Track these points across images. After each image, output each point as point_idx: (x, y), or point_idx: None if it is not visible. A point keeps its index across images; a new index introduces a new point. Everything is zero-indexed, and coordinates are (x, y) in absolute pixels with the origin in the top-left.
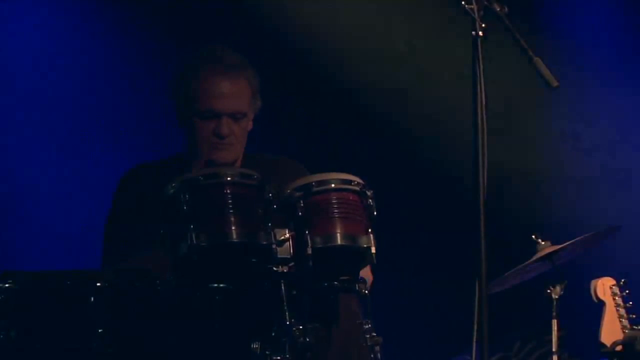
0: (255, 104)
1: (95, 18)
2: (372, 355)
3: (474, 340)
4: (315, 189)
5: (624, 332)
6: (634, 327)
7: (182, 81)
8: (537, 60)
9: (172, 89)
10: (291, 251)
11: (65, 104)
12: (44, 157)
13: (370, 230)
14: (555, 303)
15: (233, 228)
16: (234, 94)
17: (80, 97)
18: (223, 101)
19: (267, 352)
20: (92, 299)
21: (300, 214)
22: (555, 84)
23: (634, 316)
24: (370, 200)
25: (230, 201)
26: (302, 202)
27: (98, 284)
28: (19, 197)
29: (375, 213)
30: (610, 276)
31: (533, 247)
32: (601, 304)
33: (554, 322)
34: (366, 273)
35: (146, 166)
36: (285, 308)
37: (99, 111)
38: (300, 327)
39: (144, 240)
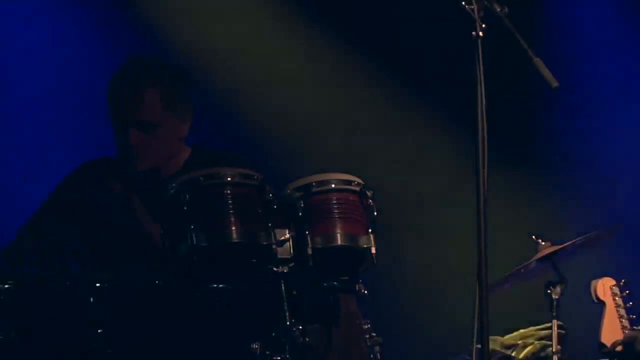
0: (175, 112)
1: (95, 19)
2: (372, 356)
3: (474, 340)
4: (315, 189)
5: (624, 332)
6: (634, 327)
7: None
8: (537, 61)
9: None
10: (291, 251)
11: (66, 104)
12: (44, 157)
13: (370, 230)
14: (555, 303)
15: (233, 228)
16: (137, 105)
17: (81, 96)
18: (126, 112)
19: (267, 352)
20: (92, 299)
21: (300, 214)
22: (555, 84)
23: (634, 316)
24: (370, 201)
25: (230, 201)
26: (302, 202)
27: (98, 285)
28: (20, 197)
29: (375, 213)
30: (611, 276)
31: (533, 248)
32: (601, 304)
33: (554, 322)
34: None
35: (93, 164)
36: (286, 308)
37: (101, 112)
38: (300, 327)
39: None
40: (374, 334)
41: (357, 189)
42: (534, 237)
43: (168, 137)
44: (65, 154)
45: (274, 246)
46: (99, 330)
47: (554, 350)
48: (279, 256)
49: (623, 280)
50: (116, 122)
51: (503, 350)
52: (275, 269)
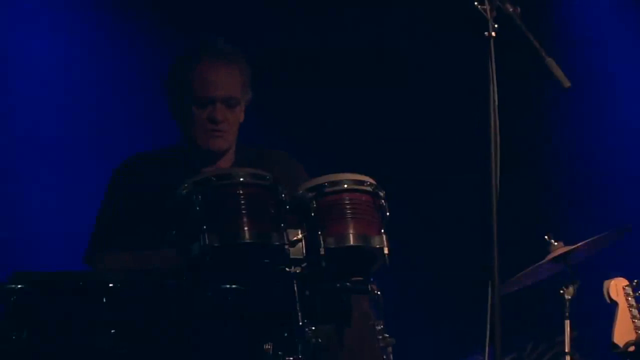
0: (247, 94)
1: (94, 17)
2: (384, 356)
3: (487, 340)
4: (327, 189)
5: (636, 332)
6: None
7: (178, 72)
8: (550, 61)
9: (168, 81)
10: (304, 252)
11: (67, 104)
12: (52, 158)
13: (383, 230)
14: (568, 304)
15: (245, 229)
16: (227, 81)
17: (82, 96)
18: (217, 87)
19: (279, 353)
20: (105, 299)
21: (312, 214)
22: (567, 84)
23: None
24: (382, 201)
25: (242, 202)
26: (314, 202)
27: (110, 285)
28: (29, 197)
29: (387, 214)
30: (623, 276)
31: (546, 248)
32: (614, 304)
33: (567, 323)
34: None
35: (142, 157)
36: (298, 309)
37: (102, 111)
38: (313, 327)
39: (136, 231)
40: (387, 335)
41: (370, 189)
42: (547, 237)
43: (239, 119)
44: (64, 153)
45: (286, 246)
46: (111, 331)
47: (566, 350)
48: (291, 256)
49: (636, 281)
50: (199, 98)
51: None
52: (287, 269)
